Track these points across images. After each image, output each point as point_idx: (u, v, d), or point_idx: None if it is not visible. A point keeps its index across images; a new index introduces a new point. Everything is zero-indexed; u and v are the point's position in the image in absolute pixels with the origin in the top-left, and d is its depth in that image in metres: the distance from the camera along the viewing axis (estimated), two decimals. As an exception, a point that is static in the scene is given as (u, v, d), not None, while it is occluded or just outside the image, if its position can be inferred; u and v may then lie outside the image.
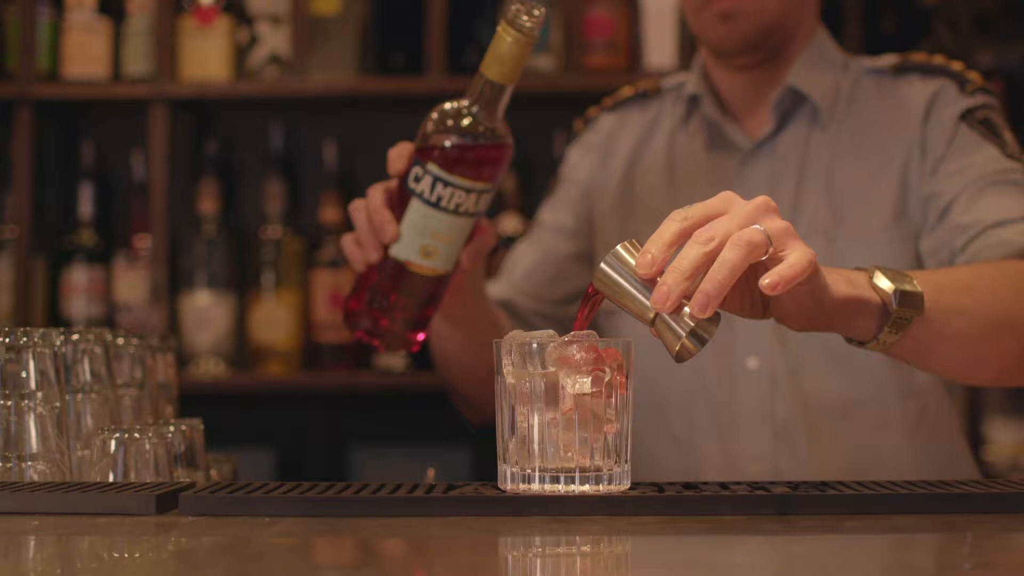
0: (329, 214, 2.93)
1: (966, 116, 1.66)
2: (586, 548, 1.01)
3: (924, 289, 1.27)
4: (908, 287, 1.26)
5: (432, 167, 1.43)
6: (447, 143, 1.43)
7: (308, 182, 3.03)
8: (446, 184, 1.42)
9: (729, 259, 1.10)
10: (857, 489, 1.14)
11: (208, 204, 2.93)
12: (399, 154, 1.46)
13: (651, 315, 1.13)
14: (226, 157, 3.03)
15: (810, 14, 1.77)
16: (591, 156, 1.88)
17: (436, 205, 1.43)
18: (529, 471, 1.12)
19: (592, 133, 1.91)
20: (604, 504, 1.10)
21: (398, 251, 1.46)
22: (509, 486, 1.14)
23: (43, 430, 1.23)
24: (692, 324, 1.12)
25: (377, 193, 1.46)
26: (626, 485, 1.14)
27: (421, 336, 1.52)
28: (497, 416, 1.15)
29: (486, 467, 2.73)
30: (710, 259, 1.11)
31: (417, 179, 1.43)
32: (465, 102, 1.44)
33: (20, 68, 2.91)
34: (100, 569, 0.94)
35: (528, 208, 2.94)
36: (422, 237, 1.44)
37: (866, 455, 1.67)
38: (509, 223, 2.91)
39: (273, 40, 2.93)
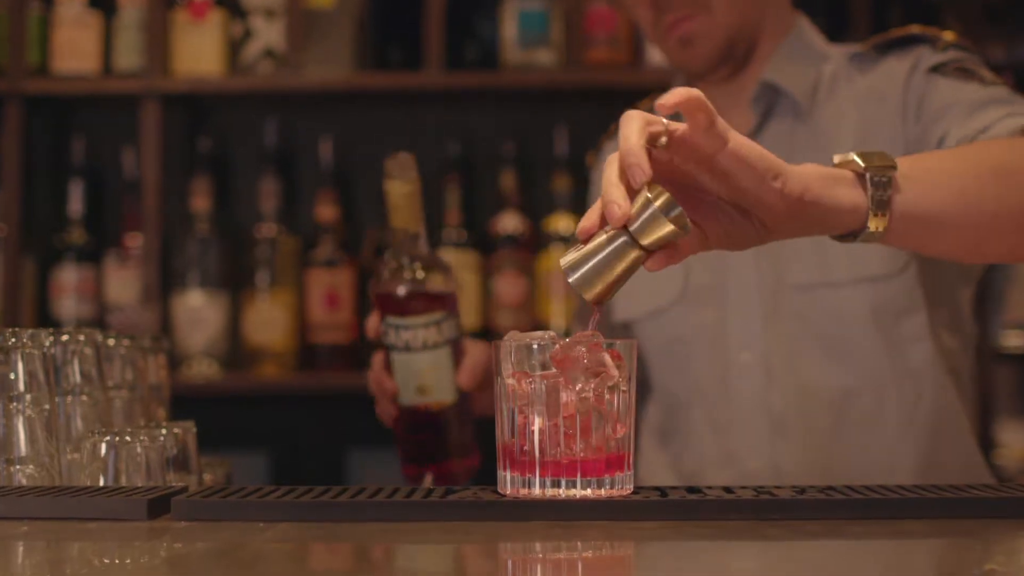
0: (325, 212, 2.93)
1: (938, 68, 1.67)
2: (588, 554, 1.01)
3: (917, 168, 1.28)
4: (880, 162, 1.26)
5: (389, 318, 1.60)
6: (392, 294, 1.61)
7: (303, 179, 3.03)
8: (406, 328, 1.59)
9: (623, 133, 1.14)
10: (864, 493, 1.14)
11: (201, 202, 2.93)
12: (370, 323, 1.63)
13: (629, 242, 1.14)
14: (219, 154, 3.03)
15: (780, 11, 1.79)
16: None
17: (407, 349, 1.59)
18: (529, 475, 1.12)
19: (613, 143, 1.93)
20: (606, 509, 1.10)
21: (402, 400, 1.62)
22: (509, 490, 1.14)
23: (32, 433, 1.23)
24: (657, 207, 1.13)
25: (377, 360, 1.65)
26: (628, 489, 1.14)
27: (475, 459, 1.66)
28: (497, 419, 1.15)
29: (485, 471, 2.73)
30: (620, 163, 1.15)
31: (385, 333, 1.61)
32: (392, 252, 1.63)
33: (9, 63, 2.91)
34: (90, 575, 0.94)
35: (528, 206, 2.95)
36: (412, 379, 1.60)
37: (863, 444, 1.68)
38: (509, 222, 2.91)
39: (268, 34, 2.93)
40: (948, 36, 1.71)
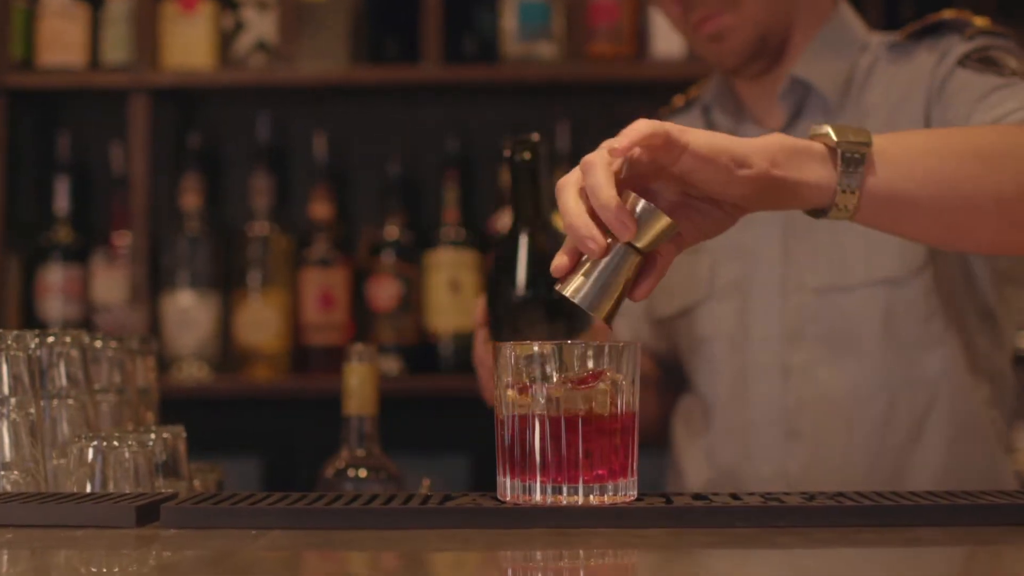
0: (319, 210, 2.93)
1: (963, 61, 1.67)
2: (590, 562, 1.01)
3: (898, 145, 1.28)
4: (854, 137, 1.25)
5: None
6: None
7: (297, 176, 3.03)
8: None
9: (590, 184, 1.15)
10: (875, 500, 1.14)
11: (191, 199, 2.93)
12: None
13: (627, 249, 1.16)
14: (210, 150, 3.03)
15: (815, 2, 1.78)
16: None
17: None
18: (530, 481, 1.12)
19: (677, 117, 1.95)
20: (609, 516, 1.10)
21: None
22: (509, 497, 1.14)
23: (17, 438, 1.23)
24: (646, 208, 1.14)
25: (480, 335, 1.60)
26: (632, 496, 1.14)
27: None
28: (496, 425, 1.15)
29: (485, 477, 2.73)
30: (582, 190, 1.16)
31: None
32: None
33: (-7, 56, 2.91)
34: (77, 584, 0.94)
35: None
36: None
37: (874, 451, 1.68)
38: (509, 219, 2.90)
39: (260, 26, 2.93)
40: (978, 22, 1.70)
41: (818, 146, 1.25)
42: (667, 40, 2.85)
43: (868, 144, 1.25)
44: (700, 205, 1.23)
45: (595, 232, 1.14)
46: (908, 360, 1.69)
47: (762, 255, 1.74)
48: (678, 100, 1.95)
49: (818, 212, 1.26)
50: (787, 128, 1.75)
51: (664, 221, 1.14)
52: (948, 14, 1.73)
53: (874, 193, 1.25)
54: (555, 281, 1.18)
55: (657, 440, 1.87)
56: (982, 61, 1.65)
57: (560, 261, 1.18)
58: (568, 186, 1.18)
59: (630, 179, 1.19)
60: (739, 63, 1.75)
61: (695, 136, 1.18)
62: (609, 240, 1.15)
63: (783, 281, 1.73)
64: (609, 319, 1.16)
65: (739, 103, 1.82)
